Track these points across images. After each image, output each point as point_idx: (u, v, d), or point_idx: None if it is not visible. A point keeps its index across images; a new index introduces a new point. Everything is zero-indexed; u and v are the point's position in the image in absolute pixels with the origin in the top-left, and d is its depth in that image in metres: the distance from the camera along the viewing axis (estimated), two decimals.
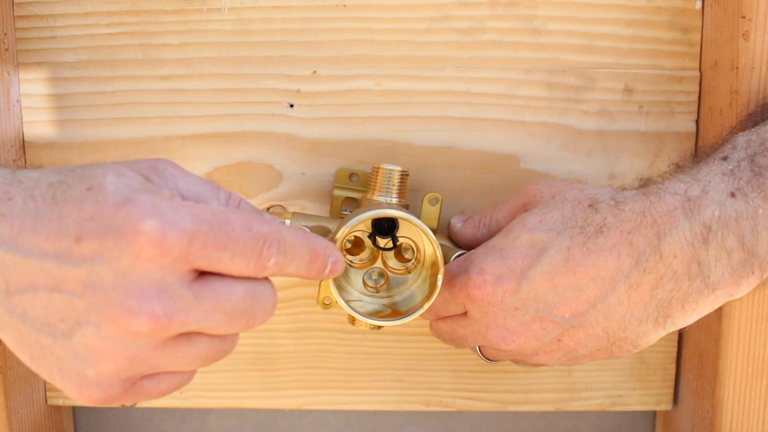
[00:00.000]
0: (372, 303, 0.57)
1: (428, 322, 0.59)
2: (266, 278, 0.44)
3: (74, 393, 0.43)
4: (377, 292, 0.57)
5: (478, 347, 0.57)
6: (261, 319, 0.43)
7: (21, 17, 0.61)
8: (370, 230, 0.56)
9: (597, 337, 0.52)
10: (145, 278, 0.40)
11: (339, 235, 0.52)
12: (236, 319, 0.42)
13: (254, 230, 0.42)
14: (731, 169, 0.49)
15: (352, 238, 0.58)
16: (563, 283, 0.50)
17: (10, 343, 0.43)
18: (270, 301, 0.43)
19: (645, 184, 0.52)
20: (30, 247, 0.40)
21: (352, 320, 0.57)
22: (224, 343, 0.44)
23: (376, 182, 0.57)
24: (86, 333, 0.40)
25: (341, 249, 0.57)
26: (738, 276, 0.49)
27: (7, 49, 0.61)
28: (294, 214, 0.58)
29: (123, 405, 0.69)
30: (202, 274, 0.42)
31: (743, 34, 0.56)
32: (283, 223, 0.44)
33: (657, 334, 0.52)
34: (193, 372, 0.45)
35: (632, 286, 0.50)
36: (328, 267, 0.46)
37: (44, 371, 0.43)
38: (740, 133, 0.51)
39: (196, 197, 0.43)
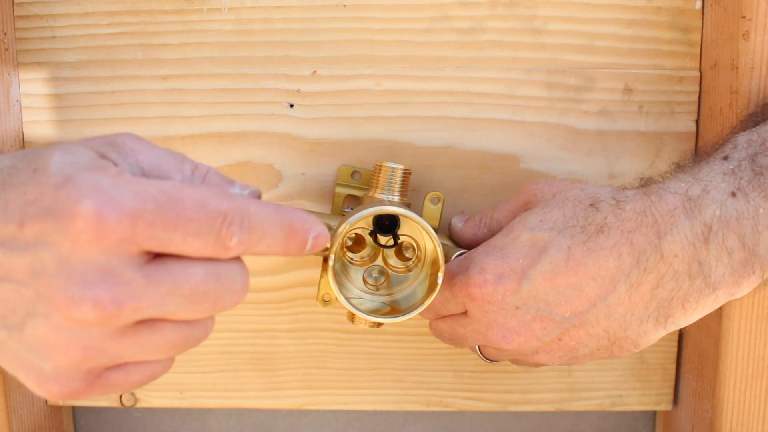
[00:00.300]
0: (372, 301, 0.57)
1: (429, 321, 0.59)
2: (235, 258, 0.40)
3: (35, 388, 0.41)
4: (377, 290, 0.58)
5: (478, 347, 0.57)
6: (230, 301, 0.40)
7: (21, 17, 0.61)
8: (371, 227, 0.56)
9: (597, 337, 0.52)
10: (88, 263, 0.37)
11: (340, 232, 0.53)
12: (198, 302, 0.39)
13: (210, 207, 0.38)
14: (732, 169, 0.49)
15: (353, 235, 0.58)
16: (564, 283, 0.50)
17: None
18: (239, 282, 0.40)
19: (646, 183, 0.52)
20: None
21: (352, 317, 0.57)
22: (195, 328, 0.41)
23: (378, 180, 0.57)
24: (36, 324, 0.38)
25: (342, 246, 0.57)
26: (739, 275, 0.49)
27: (7, 49, 0.61)
28: None
29: (122, 404, 0.69)
30: (158, 256, 0.39)
31: (743, 34, 0.56)
32: (255, 196, 0.41)
33: (657, 333, 0.52)
34: (170, 361, 0.43)
35: (633, 286, 0.50)
36: (309, 242, 0.42)
37: (6, 366, 0.41)
38: (741, 133, 0.51)
39: (159, 171, 0.41)
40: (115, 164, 0.39)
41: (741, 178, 0.49)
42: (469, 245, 0.58)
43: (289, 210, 0.41)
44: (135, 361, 0.41)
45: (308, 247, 0.42)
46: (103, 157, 0.39)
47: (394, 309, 0.56)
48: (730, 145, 0.51)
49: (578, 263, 0.50)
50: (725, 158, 0.50)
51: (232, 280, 0.40)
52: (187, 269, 0.39)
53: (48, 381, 0.40)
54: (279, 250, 0.41)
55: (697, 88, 0.62)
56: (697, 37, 0.62)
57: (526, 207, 0.55)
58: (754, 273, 0.49)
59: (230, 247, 0.39)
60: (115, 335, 0.39)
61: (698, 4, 0.61)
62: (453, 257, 0.56)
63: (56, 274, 0.37)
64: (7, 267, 0.38)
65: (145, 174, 0.40)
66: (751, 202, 0.48)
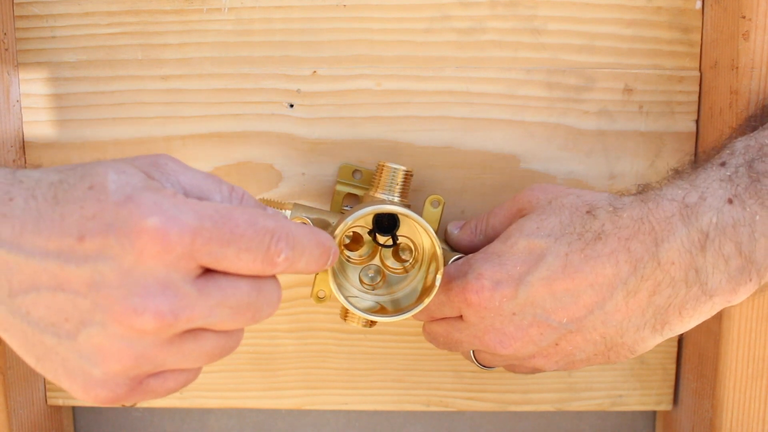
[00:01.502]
0: (367, 300, 0.57)
1: (422, 325, 0.59)
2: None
3: (80, 393, 0.43)
4: (373, 289, 0.58)
5: (473, 352, 0.57)
6: (267, 313, 0.43)
7: (21, 17, 0.61)
8: (370, 226, 0.56)
9: (594, 343, 0.52)
10: (150, 276, 0.39)
11: (339, 229, 0.53)
12: (242, 314, 0.42)
13: (259, 225, 0.41)
14: (729, 176, 0.49)
15: (351, 233, 0.58)
16: (561, 289, 0.50)
17: (15, 345, 0.42)
18: (275, 294, 0.43)
19: (643, 190, 0.52)
20: (32, 248, 0.40)
21: (345, 314, 0.57)
22: (230, 338, 0.44)
23: (379, 180, 0.57)
24: (91, 332, 0.40)
25: (340, 243, 0.57)
26: (735, 283, 0.49)
27: (7, 49, 0.61)
28: (295, 205, 0.58)
29: (123, 405, 0.69)
30: (207, 271, 0.41)
31: (743, 34, 0.56)
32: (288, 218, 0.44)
33: (654, 340, 0.52)
34: (199, 369, 0.45)
35: (630, 293, 0.50)
36: (330, 258, 0.45)
37: (49, 372, 0.43)
38: (738, 139, 0.51)
39: (199, 192, 0.43)
40: (162, 185, 0.42)
41: (738, 185, 0.48)
42: (466, 251, 0.58)
43: (317, 229, 0.45)
44: (173, 369, 0.43)
45: (329, 262, 0.46)
46: (150, 177, 0.42)
47: (390, 309, 0.56)
48: (728, 151, 0.51)
49: (575, 270, 0.50)
50: (722, 164, 0.50)
51: (270, 293, 0.43)
52: (234, 283, 0.42)
53: (96, 386, 0.42)
54: (313, 267, 0.44)
55: (697, 88, 0.62)
56: (697, 37, 0.62)
57: (521, 213, 0.55)
58: (750, 280, 0.49)
59: (278, 263, 0.42)
60: (164, 344, 0.41)
61: (698, 4, 0.61)
62: (450, 261, 0.56)
63: (118, 285, 0.39)
64: (62, 278, 0.40)
65: (186, 194, 0.43)
66: (748, 209, 0.48)
